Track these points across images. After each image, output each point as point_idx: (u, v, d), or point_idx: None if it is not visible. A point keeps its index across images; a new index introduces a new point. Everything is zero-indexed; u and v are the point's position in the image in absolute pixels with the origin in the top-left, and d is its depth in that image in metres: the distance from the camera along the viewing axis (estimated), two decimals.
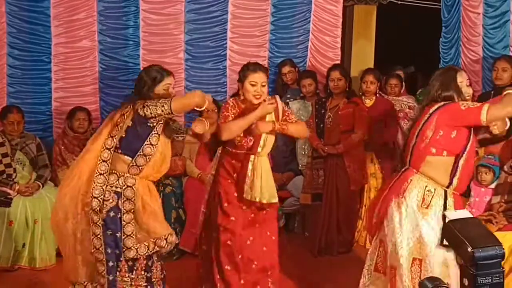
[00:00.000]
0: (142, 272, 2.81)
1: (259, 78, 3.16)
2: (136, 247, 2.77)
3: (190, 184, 4.59)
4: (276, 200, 3.24)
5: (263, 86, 3.18)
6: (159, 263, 2.94)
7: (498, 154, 3.90)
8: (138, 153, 2.73)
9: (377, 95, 4.71)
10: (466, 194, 3.94)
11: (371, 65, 5.81)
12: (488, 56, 4.74)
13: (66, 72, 4.86)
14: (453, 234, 1.31)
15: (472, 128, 2.74)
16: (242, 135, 3.21)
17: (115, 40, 4.95)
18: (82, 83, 4.88)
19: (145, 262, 2.83)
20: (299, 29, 5.33)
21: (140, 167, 2.76)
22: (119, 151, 2.76)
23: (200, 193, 4.44)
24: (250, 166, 3.18)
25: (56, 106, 4.85)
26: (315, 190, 4.48)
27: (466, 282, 1.25)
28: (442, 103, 2.79)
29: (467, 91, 2.88)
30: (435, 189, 2.77)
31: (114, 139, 2.74)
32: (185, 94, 2.99)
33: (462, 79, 2.86)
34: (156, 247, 2.84)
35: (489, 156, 3.89)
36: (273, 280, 3.36)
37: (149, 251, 2.82)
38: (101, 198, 2.72)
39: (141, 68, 4.98)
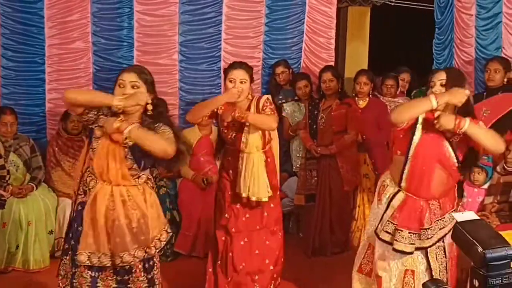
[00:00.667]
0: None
1: (237, 74, 3.20)
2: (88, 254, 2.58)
3: (184, 185, 4.59)
4: (265, 198, 3.23)
5: (242, 83, 3.19)
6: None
7: (490, 155, 3.93)
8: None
9: (371, 96, 4.73)
10: (459, 194, 3.97)
11: (365, 66, 5.85)
12: (480, 58, 4.76)
13: (60, 74, 4.85)
14: (462, 236, 1.30)
15: (416, 129, 2.72)
16: (226, 130, 3.27)
17: (109, 41, 4.94)
18: (76, 85, 4.85)
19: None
20: (293, 31, 5.34)
21: (91, 165, 2.69)
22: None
23: (195, 195, 4.47)
24: (240, 161, 3.21)
25: (50, 108, 4.84)
26: (308, 191, 4.49)
27: (476, 283, 1.26)
28: None
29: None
30: (388, 184, 2.88)
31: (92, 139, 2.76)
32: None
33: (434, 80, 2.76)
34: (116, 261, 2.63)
35: (483, 157, 3.90)
36: (261, 285, 3.36)
37: (100, 263, 2.58)
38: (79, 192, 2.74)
39: None
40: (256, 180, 3.19)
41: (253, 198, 3.21)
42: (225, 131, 3.29)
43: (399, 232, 2.75)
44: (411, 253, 2.77)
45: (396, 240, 2.76)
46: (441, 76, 2.72)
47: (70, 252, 2.65)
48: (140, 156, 2.57)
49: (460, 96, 2.59)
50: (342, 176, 4.42)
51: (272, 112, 3.23)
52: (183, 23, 5.06)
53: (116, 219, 2.55)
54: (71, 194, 4.26)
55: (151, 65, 5.00)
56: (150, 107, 2.67)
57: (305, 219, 4.62)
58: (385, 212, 2.83)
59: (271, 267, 3.39)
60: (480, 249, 1.25)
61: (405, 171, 2.76)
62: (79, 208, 2.65)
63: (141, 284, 2.70)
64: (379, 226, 2.84)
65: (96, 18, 4.87)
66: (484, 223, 1.38)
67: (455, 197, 2.90)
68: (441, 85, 2.69)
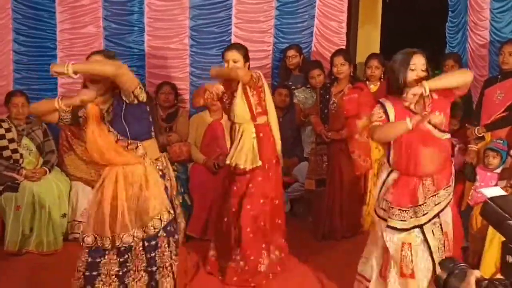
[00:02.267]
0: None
1: (230, 55, 3.49)
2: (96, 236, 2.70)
3: (196, 170, 4.60)
4: (243, 166, 3.45)
5: (235, 62, 3.47)
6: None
7: (504, 139, 3.90)
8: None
9: (382, 80, 4.69)
10: (472, 178, 3.95)
11: (377, 51, 5.78)
12: (495, 41, 4.69)
13: (71, 58, 4.81)
14: (493, 211, 1.26)
15: (389, 119, 2.83)
16: (226, 107, 3.61)
17: (120, 26, 4.95)
18: None
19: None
20: (304, 14, 5.29)
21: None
22: None
23: (206, 179, 4.48)
24: (232, 132, 3.58)
25: (62, 92, 4.86)
26: (319, 176, 4.48)
27: (510, 259, 1.23)
28: None
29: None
30: (384, 164, 3.00)
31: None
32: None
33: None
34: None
35: (498, 141, 3.87)
36: (242, 253, 3.53)
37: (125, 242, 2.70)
38: None
39: (146, 54, 5.01)
40: (240, 147, 3.46)
41: (233, 164, 3.47)
42: (226, 108, 3.62)
43: (391, 209, 2.86)
44: (403, 230, 2.84)
45: (389, 217, 2.86)
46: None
47: None
48: (122, 127, 2.66)
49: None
50: (353, 161, 4.39)
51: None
52: (193, 7, 5.05)
53: (118, 199, 2.63)
54: (83, 178, 4.33)
55: (162, 49, 5.04)
56: None
57: (315, 203, 4.62)
58: (380, 190, 2.96)
59: (251, 235, 3.52)
60: None
61: (391, 155, 2.87)
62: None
63: (139, 263, 2.73)
64: (376, 203, 2.99)
65: (107, 2, 4.87)
66: None
67: (451, 173, 2.93)
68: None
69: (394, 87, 2.83)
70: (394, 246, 2.88)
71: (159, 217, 2.74)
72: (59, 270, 3.55)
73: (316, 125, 4.51)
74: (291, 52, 5.07)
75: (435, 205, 2.85)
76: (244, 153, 3.46)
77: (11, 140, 4.21)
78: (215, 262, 3.73)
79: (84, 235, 2.68)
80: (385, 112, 2.84)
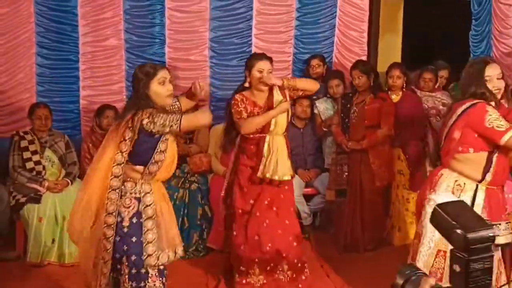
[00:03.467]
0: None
1: (265, 65, 3.45)
2: (158, 255, 2.71)
3: (216, 181, 4.58)
4: (288, 177, 3.47)
5: (270, 73, 3.44)
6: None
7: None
8: (150, 162, 2.67)
9: (404, 90, 4.62)
10: None
11: (398, 60, 5.70)
12: None
13: (93, 71, 4.93)
14: (442, 218, 1.24)
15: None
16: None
17: (141, 38, 5.00)
18: (109, 81, 4.95)
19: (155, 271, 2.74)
20: (324, 24, 5.28)
21: (153, 173, 2.71)
22: (130, 163, 2.69)
23: None
24: (265, 146, 3.44)
25: (84, 104, 4.93)
26: (339, 186, 4.42)
27: (457, 268, 1.21)
28: (469, 103, 2.76)
29: (496, 84, 2.78)
30: (464, 183, 2.77)
31: (124, 154, 2.65)
32: (196, 113, 2.90)
33: (490, 73, 2.76)
34: (176, 255, 2.79)
35: None
36: (289, 262, 3.50)
37: (168, 260, 2.76)
38: (115, 214, 2.66)
39: (167, 66, 5.03)
40: (280, 160, 3.42)
41: (276, 178, 3.42)
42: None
43: (497, 227, 2.75)
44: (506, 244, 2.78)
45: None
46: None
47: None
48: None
49: None
50: (374, 172, 4.32)
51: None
52: (214, 19, 5.07)
53: (163, 214, 2.76)
54: None
55: (182, 61, 5.07)
56: None
57: (336, 215, 4.56)
58: None
59: (295, 244, 3.55)
60: (461, 231, 1.20)
61: (492, 167, 2.73)
62: (134, 221, 2.69)
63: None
64: None
65: (129, 15, 4.93)
66: (465, 205, 1.33)
67: None
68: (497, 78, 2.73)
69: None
70: (430, 251, 2.79)
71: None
72: (80, 281, 3.55)
73: (337, 135, 4.47)
74: (314, 61, 5.05)
75: None
76: (284, 165, 3.44)
77: (34, 152, 4.26)
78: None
79: (158, 254, 2.71)
80: None
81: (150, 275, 2.70)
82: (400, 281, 1.29)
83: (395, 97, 4.59)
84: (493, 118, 2.65)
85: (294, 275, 3.54)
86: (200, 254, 4.29)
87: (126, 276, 2.70)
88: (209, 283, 3.73)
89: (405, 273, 1.29)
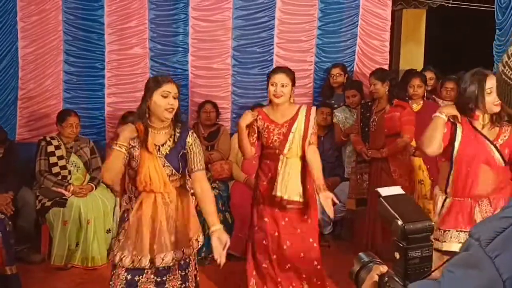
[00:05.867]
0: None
1: (278, 78, 3.26)
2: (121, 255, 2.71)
3: (237, 188, 4.63)
4: (297, 198, 3.30)
5: (284, 86, 3.25)
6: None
7: None
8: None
9: (425, 99, 4.60)
10: None
11: (420, 68, 5.69)
12: None
13: (118, 78, 5.03)
14: (385, 210, 1.33)
15: (456, 134, 2.74)
16: (266, 136, 3.33)
17: (165, 47, 5.09)
18: (134, 89, 5.03)
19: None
20: (346, 34, 5.30)
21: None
22: None
23: (247, 198, 4.48)
24: (280, 164, 3.30)
25: (109, 111, 5.03)
26: (359, 195, 4.43)
27: (397, 255, 1.29)
28: None
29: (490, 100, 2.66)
30: (438, 192, 2.87)
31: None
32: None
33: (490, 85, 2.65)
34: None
35: None
36: (309, 282, 3.39)
37: (133, 264, 2.70)
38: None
39: (190, 74, 5.12)
40: (291, 180, 3.29)
41: (285, 197, 3.28)
42: (267, 136, 3.35)
43: (447, 233, 2.75)
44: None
45: (445, 242, 2.75)
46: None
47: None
48: (176, 162, 2.69)
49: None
50: (395, 181, 4.30)
51: (315, 140, 3.32)
52: (236, 28, 5.14)
53: (158, 222, 2.68)
54: None
55: (205, 69, 5.14)
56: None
57: (356, 224, 4.55)
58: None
59: (315, 263, 3.41)
60: (400, 222, 1.28)
61: (451, 176, 2.77)
62: (124, 215, 2.78)
63: (176, 282, 2.78)
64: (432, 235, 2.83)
65: (153, 24, 5.03)
66: (407, 197, 1.40)
67: (511, 194, 2.82)
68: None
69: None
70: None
71: (196, 238, 2.81)
72: (103, 284, 3.62)
73: (356, 144, 4.47)
74: (335, 71, 5.08)
75: None
76: (293, 186, 3.30)
77: (60, 157, 4.36)
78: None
79: (122, 256, 2.69)
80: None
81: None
82: (356, 267, 1.36)
83: (416, 106, 4.59)
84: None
85: None
86: None
87: None
88: None
89: (361, 260, 1.37)
